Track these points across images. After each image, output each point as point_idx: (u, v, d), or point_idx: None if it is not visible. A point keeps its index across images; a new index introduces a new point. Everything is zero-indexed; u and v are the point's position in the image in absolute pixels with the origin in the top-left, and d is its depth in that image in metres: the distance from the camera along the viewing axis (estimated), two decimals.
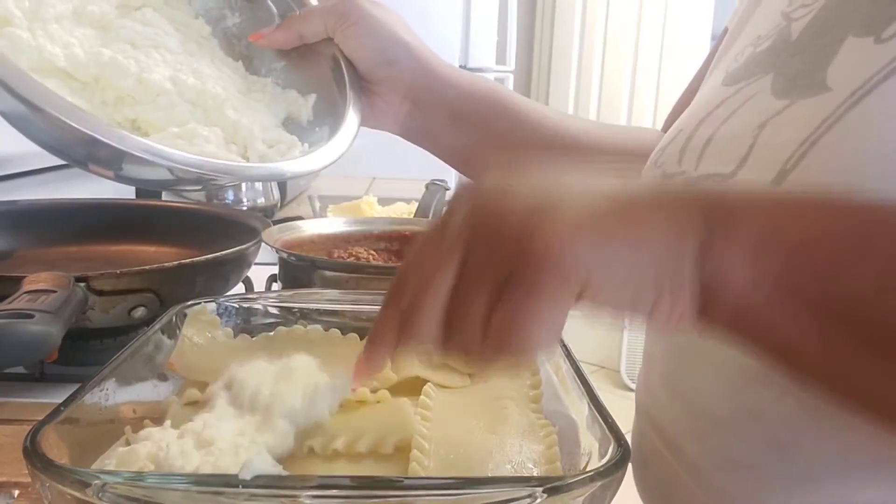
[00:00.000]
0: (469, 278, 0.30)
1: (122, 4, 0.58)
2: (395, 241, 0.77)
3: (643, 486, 0.46)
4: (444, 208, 0.32)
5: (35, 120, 0.46)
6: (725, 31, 0.50)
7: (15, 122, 0.49)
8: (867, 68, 0.32)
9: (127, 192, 1.29)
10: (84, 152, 0.49)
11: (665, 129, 0.55)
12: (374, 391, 0.45)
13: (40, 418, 0.33)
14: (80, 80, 0.53)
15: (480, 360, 0.31)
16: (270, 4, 0.63)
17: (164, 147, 0.48)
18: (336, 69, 0.60)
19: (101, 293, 0.55)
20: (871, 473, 0.33)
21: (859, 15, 0.34)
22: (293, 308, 0.53)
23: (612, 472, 0.31)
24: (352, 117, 0.58)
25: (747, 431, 0.36)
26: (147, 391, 0.44)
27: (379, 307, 0.54)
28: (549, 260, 0.28)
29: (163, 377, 0.45)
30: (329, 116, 0.60)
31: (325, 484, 0.30)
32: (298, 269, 0.66)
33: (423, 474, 0.35)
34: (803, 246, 0.27)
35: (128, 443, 0.38)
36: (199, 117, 0.55)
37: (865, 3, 0.34)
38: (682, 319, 0.29)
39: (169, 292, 0.58)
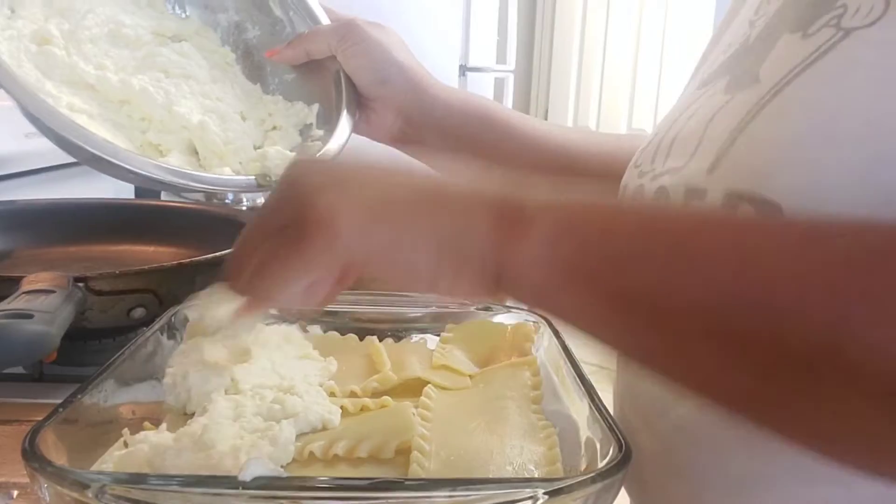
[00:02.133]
0: (251, 231, 0.37)
1: (156, 33, 0.63)
2: None
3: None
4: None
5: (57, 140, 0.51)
6: None
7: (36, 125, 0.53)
8: (791, 61, 0.34)
9: (126, 192, 1.29)
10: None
11: None
12: (376, 395, 0.44)
13: (39, 419, 0.33)
14: (108, 98, 0.58)
15: (241, 295, 0.37)
16: (290, 19, 0.68)
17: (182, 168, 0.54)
18: (338, 83, 0.65)
19: (99, 293, 0.55)
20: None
21: (795, 14, 0.36)
22: (293, 308, 0.53)
23: (613, 472, 0.31)
24: (338, 133, 0.62)
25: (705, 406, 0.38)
26: (146, 392, 0.43)
27: (378, 307, 0.55)
28: (319, 226, 0.32)
29: (162, 378, 0.45)
30: (328, 124, 0.64)
31: (326, 485, 0.30)
32: None
33: (423, 476, 0.35)
34: (592, 240, 0.31)
35: (125, 445, 0.37)
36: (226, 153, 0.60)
37: (804, 3, 0.36)
38: (473, 293, 0.34)
39: (168, 292, 0.58)
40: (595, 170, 0.62)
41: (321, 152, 0.59)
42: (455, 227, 0.33)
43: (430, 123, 0.65)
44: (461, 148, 0.65)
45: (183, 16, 0.67)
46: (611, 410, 0.37)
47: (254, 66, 0.68)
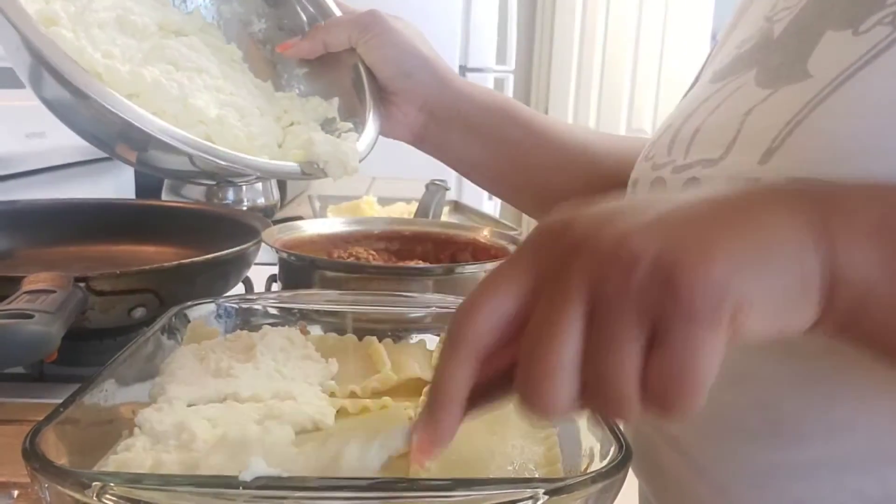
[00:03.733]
0: (607, 320, 0.25)
1: (161, 26, 0.60)
2: (394, 241, 0.77)
3: (635, 465, 0.46)
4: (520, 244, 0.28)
5: (76, 106, 0.49)
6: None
7: (56, 108, 0.52)
8: (846, 57, 0.34)
9: (126, 192, 1.29)
10: (117, 137, 0.51)
11: None
12: (376, 395, 0.44)
13: (40, 419, 0.33)
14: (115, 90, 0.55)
15: (637, 413, 0.26)
16: (298, 11, 0.66)
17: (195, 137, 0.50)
18: (356, 78, 0.62)
19: (100, 293, 0.55)
20: (854, 427, 0.33)
21: (837, 11, 0.36)
22: (293, 309, 0.53)
23: (613, 473, 0.31)
24: (371, 124, 0.60)
25: (732, 394, 0.38)
26: (146, 392, 0.43)
27: (378, 307, 0.54)
28: (698, 285, 0.24)
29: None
30: (354, 118, 0.61)
31: (327, 485, 0.30)
32: (298, 270, 0.66)
33: (423, 475, 0.35)
34: None
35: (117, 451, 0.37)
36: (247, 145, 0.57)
37: (843, 1, 0.36)
38: (804, 317, 0.26)
39: (169, 292, 0.58)
40: (612, 171, 0.60)
41: (360, 141, 0.56)
42: (793, 230, 0.26)
43: (454, 119, 0.63)
44: (483, 146, 0.63)
45: (185, 9, 0.64)
46: None
47: (261, 61, 0.66)
